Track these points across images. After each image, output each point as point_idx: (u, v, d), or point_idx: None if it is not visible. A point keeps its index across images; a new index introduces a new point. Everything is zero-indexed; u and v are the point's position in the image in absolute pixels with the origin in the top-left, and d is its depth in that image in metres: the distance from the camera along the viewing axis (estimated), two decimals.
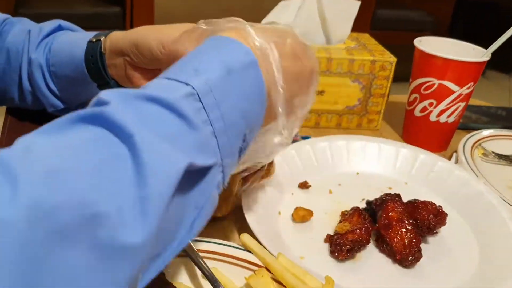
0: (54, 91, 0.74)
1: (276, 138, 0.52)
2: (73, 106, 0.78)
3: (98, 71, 0.68)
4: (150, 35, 0.62)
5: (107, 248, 0.31)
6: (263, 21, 0.89)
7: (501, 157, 0.87)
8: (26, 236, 0.28)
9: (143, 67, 0.65)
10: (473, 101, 0.89)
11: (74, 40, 0.71)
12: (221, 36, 0.47)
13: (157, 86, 0.40)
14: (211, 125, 0.40)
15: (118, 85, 0.71)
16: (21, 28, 0.75)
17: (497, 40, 0.81)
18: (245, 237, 0.56)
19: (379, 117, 0.94)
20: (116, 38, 0.66)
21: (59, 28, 0.76)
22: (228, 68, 0.42)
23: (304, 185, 0.73)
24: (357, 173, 0.78)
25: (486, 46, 0.84)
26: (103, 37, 0.67)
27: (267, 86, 0.46)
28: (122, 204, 0.32)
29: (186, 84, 0.40)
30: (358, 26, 0.94)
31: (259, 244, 0.55)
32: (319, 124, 0.93)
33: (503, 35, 0.80)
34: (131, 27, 1.06)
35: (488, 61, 0.83)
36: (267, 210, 0.65)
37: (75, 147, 0.33)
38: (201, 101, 0.39)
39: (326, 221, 0.67)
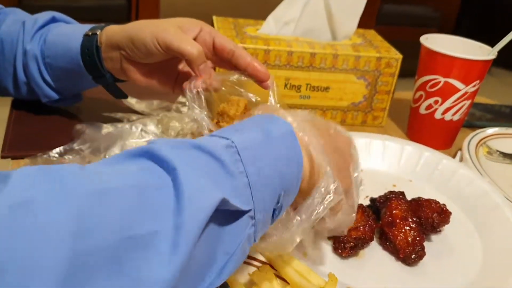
0: (48, 82, 0.75)
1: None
2: (67, 97, 0.78)
3: (93, 64, 0.69)
4: (145, 30, 0.64)
5: (135, 278, 0.33)
6: (269, 17, 0.89)
7: (505, 155, 0.87)
8: (69, 246, 0.30)
9: (138, 61, 0.67)
10: (477, 98, 0.89)
11: (69, 32, 0.72)
12: (263, 113, 0.52)
13: (201, 139, 0.44)
14: (247, 177, 0.42)
15: (114, 78, 0.72)
16: (14, 19, 0.76)
17: (504, 39, 0.80)
18: None
19: (384, 114, 0.94)
20: (112, 32, 0.67)
21: (53, 20, 0.76)
22: (267, 133, 0.46)
23: None
24: (361, 170, 0.78)
25: (491, 43, 0.84)
26: (99, 30, 0.68)
27: (307, 154, 0.48)
28: (159, 229, 0.35)
29: (227, 138, 0.43)
30: (363, 20, 0.93)
31: None
32: None
33: (510, 33, 0.80)
34: (137, 19, 1.06)
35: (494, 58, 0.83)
36: None
37: (125, 172, 0.37)
38: (239, 154, 0.42)
39: None
